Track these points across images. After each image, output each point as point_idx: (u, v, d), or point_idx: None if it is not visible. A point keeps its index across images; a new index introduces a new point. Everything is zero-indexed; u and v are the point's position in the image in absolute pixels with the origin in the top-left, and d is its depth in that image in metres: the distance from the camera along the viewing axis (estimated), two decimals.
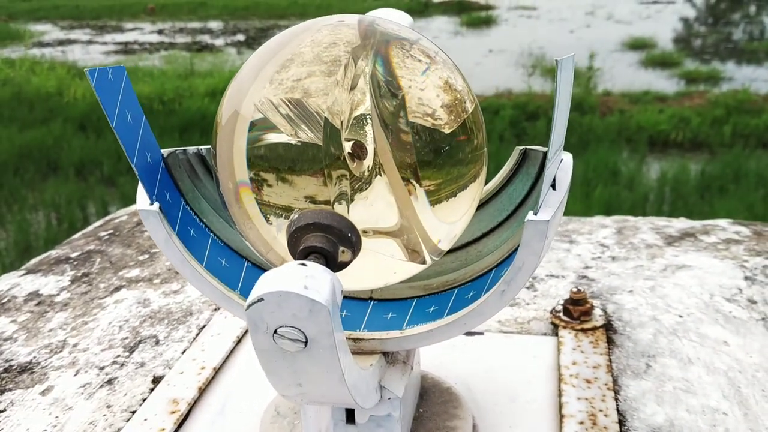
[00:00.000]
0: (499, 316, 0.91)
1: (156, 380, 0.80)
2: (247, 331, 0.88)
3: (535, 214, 0.53)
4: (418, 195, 0.53)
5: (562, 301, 0.90)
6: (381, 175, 0.52)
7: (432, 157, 0.53)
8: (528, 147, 0.67)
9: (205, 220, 0.67)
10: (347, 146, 0.52)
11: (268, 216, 0.55)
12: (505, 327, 0.88)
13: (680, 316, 0.89)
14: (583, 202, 3.80)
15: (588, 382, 0.75)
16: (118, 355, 0.85)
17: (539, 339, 0.85)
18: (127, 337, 0.89)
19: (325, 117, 0.51)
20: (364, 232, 0.54)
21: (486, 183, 0.64)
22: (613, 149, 4.72)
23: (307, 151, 0.52)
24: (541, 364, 0.80)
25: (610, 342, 0.83)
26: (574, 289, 0.87)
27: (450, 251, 0.67)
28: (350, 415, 0.63)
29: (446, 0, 11.53)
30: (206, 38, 9.81)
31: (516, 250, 0.62)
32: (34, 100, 6.31)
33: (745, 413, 0.73)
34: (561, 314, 0.87)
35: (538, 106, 5.86)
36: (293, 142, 0.52)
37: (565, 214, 0.78)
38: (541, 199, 0.53)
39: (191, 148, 0.67)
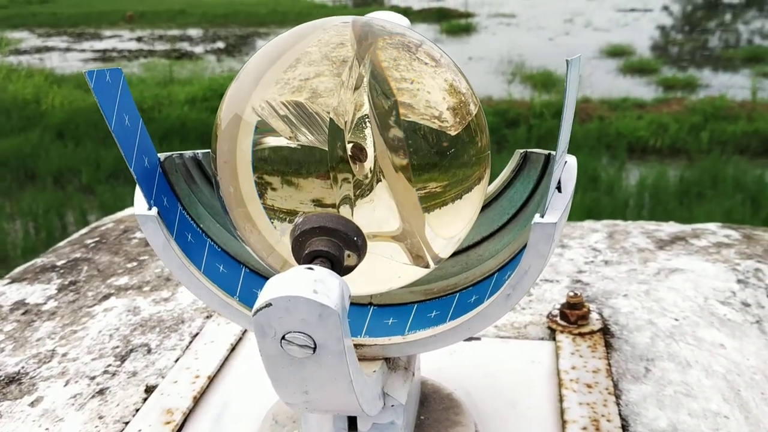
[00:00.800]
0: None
1: (149, 390, 0.78)
2: (241, 339, 0.86)
3: (542, 216, 0.53)
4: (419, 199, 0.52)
5: (558, 306, 0.89)
6: (382, 180, 0.52)
7: (437, 160, 0.52)
8: (529, 150, 0.66)
9: (202, 225, 0.66)
10: (349, 148, 0.51)
11: (271, 220, 0.54)
12: (503, 332, 0.87)
13: (676, 320, 0.89)
14: None
15: (588, 386, 0.75)
16: (109, 365, 0.84)
17: (537, 344, 0.84)
18: (117, 346, 0.87)
19: (330, 118, 0.50)
20: (368, 236, 0.53)
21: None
22: (593, 155, 4.75)
23: (310, 154, 0.51)
24: (539, 369, 0.79)
25: (608, 346, 0.83)
26: (571, 293, 0.87)
27: (450, 255, 0.67)
28: (352, 423, 0.62)
29: (426, 7, 11.56)
30: (186, 46, 9.75)
31: (519, 253, 0.61)
32: (11, 108, 6.23)
33: (746, 416, 0.72)
34: (558, 318, 0.87)
35: (518, 113, 5.89)
36: (295, 145, 0.51)
37: None
38: (547, 202, 0.53)
39: (188, 153, 0.66)
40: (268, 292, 0.44)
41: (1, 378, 0.82)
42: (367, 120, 0.51)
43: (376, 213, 0.53)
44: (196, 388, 0.76)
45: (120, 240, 1.22)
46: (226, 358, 0.82)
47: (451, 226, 0.56)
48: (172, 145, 5.20)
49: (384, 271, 0.56)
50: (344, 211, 0.52)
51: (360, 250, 0.51)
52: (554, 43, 9.26)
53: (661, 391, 0.75)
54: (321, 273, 0.45)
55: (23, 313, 0.97)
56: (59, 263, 1.14)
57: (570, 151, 0.62)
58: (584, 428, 0.68)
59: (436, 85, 0.52)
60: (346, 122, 0.51)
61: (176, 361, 0.83)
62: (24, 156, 5.02)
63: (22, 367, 0.84)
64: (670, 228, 1.22)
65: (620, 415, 0.71)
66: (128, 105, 0.57)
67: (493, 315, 0.58)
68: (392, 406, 0.60)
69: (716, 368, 0.80)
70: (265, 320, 0.44)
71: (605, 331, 0.86)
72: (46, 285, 1.06)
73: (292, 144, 0.51)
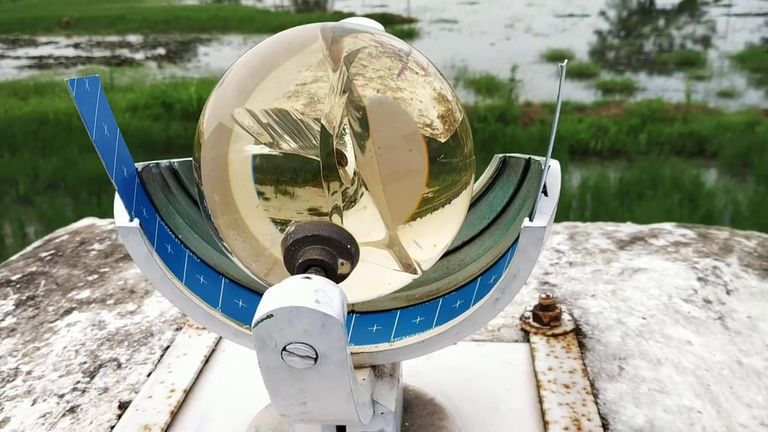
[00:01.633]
0: None
1: (123, 406, 0.76)
2: (214, 350, 0.85)
3: (531, 220, 0.53)
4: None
5: (530, 308, 0.90)
6: (366, 189, 0.51)
7: (429, 167, 0.52)
8: (507, 155, 0.67)
9: (180, 236, 0.64)
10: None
11: (259, 229, 0.53)
12: (477, 335, 0.88)
13: (644, 318, 0.91)
14: None
15: (566, 387, 0.76)
16: (78, 381, 0.81)
17: (512, 346, 0.85)
18: (85, 362, 0.85)
19: (322, 124, 0.50)
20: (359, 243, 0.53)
21: None
22: None
23: (299, 162, 0.51)
24: (517, 370, 0.80)
25: (581, 346, 0.84)
26: (543, 295, 0.88)
27: None
28: None
29: (369, 13, 11.59)
30: (125, 52, 9.56)
31: (503, 257, 0.62)
32: None
33: (718, 411, 0.74)
34: (531, 320, 0.88)
35: None
36: (280, 153, 0.50)
37: None
38: (536, 206, 0.53)
39: (164, 162, 0.65)
40: (268, 304, 0.43)
41: None
42: (345, 127, 0.51)
43: (364, 220, 0.52)
44: (172, 402, 0.75)
45: (77, 252, 1.18)
46: (201, 371, 0.81)
47: (440, 231, 0.56)
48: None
49: (374, 278, 0.56)
50: (335, 219, 0.52)
51: (353, 258, 0.51)
52: (496, 49, 9.38)
53: (636, 389, 0.77)
54: (320, 282, 0.45)
55: None
56: (14, 278, 1.10)
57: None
58: (566, 428, 0.69)
59: (427, 94, 0.53)
60: (334, 128, 0.51)
61: (149, 375, 0.81)
62: None
63: None
64: (628, 228, 1.25)
65: (599, 413, 0.72)
66: (106, 114, 0.56)
67: (482, 319, 0.58)
68: (382, 413, 0.60)
69: (686, 365, 0.82)
70: (266, 332, 0.44)
71: (577, 332, 0.87)
72: (2, 301, 1.02)
73: (277, 152, 0.51)
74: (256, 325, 0.43)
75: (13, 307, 1.00)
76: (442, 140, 0.53)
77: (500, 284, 0.56)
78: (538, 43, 9.47)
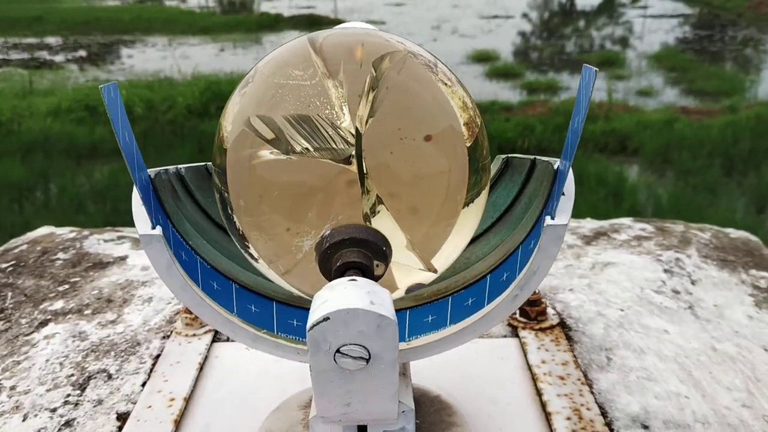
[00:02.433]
0: None
1: (121, 417, 0.74)
2: (206, 358, 0.84)
3: (552, 219, 0.55)
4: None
5: None
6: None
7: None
8: (510, 155, 0.69)
9: (191, 243, 0.64)
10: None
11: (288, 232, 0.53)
12: None
13: (621, 310, 0.95)
14: None
15: (562, 378, 0.78)
16: (68, 394, 0.79)
17: (502, 341, 0.87)
18: (72, 374, 0.83)
19: (356, 127, 0.51)
20: None
21: None
22: None
23: (329, 167, 0.51)
24: (511, 365, 0.82)
25: (568, 339, 0.87)
26: None
27: None
28: None
29: (297, 14, 11.53)
30: (44, 54, 9.22)
31: (512, 254, 0.64)
32: None
33: (703, 395, 0.78)
34: (518, 316, 0.90)
35: None
36: (312, 157, 0.51)
37: None
38: (556, 205, 0.55)
39: (171, 168, 0.64)
40: (322, 307, 0.44)
41: None
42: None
43: (391, 222, 0.53)
44: (174, 411, 0.74)
45: (42, 262, 1.15)
46: (197, 378, 0.80)
47: (461, 231, 0.57)
48: (35, 160, 4.91)
49: (402, 277, 0.57)
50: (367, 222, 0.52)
51: (387, 259, 0.52)
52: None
53: (626, 378, 0.80)
54: (369, 284, 0.46)
55: None
56: None
57: None
58: (568, 418, 0.72)
59: (454, 104, 0.54)
60: (362, 134, 0.51)
61: (143, 384, 0.80)
62: None
63: None
64: (588, 224, 1.30)
65: (597, 403, 0.75)
66: (125, 120, 0.55)
67: (500, 315, 0.60)
68: (403, 412, 0.61)
69: (666, 353, 0.86)
70: (321, 335, 0.44)
71: (563, 325, 0.90)
72: None
73: (303, 158, 0.51)
74: (311, 328, 0.44)
75: None
76: (468, 144, 0.54)
77: (519, 281, 0.58)
78: (464, 44, 9.61)
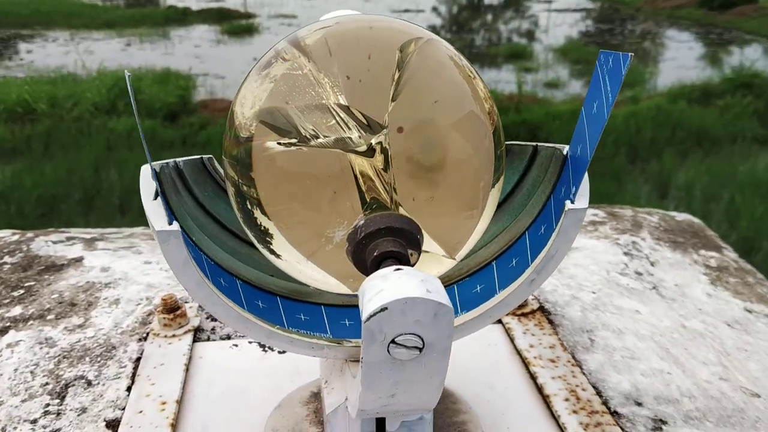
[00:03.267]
0: None
1: (111, 424, 0.71)
2: (191, 358, 0.81)
3: (572, 202, 0.56)
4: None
5: None
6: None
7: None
8: (508, 142, 0.70)
9: (194, 239, 0.61)
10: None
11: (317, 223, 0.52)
12: None
13: (593, 293, 0.98)
14: None
15: (552, 361, 0.80)
16: (47, 404, 0.75)
17: (487, 328, 0.87)
18: (47, 383, 0.78)
19: (385, 120, 0.50)
20: None
21: None
22: None
23: (360, 156, 0.50)
24: (500, 350, 0.83)
25: (550, 323, 0.89)
26: None
27: None
28: (380, 426, 0.62)
29: (205, 8, 11.27)
30: None
31: (519, 240, 0.65)
32: None
33: (683, 371, 0.82)
34: None
35: None
36: (341, 146, 0.50)
37: None
38: (576, 189, 0.56)
39: (170, 161, 0.62)
40: (378, 297, 0.43)
41: None
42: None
43: (414, 211, 0.53)
44: (168, 414, 0.71)
45: None
46: (185, 380, 0.77)
47: (482, 219, 0.57)
48: None
49: (428, 265, 0.56)
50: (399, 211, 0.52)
51: (420, 248, 0.51)
52: None
53: (611, 358, 0.83)
54: (419, 273, 0.45)
55: None
56: None
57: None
58: (566, 399, 0.73)
59: (478, 96, 0.54)
60: (387, 122, 0.51)
61: (128, 389, 0.76)
62: None
63: None
64: None
65: (590, 383, 0.77)
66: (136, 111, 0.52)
67: (515, 301, 0.61)
68: None
69: (643, 332, 0.89)
70: (377, 325, 0.43)
71: (542, 310, 0.92)
72: None
73: (324, 148, 0.50)
74: (368, 319, 0.43)
75: None
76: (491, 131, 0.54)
77: (537, 265, 0.59)
78: None
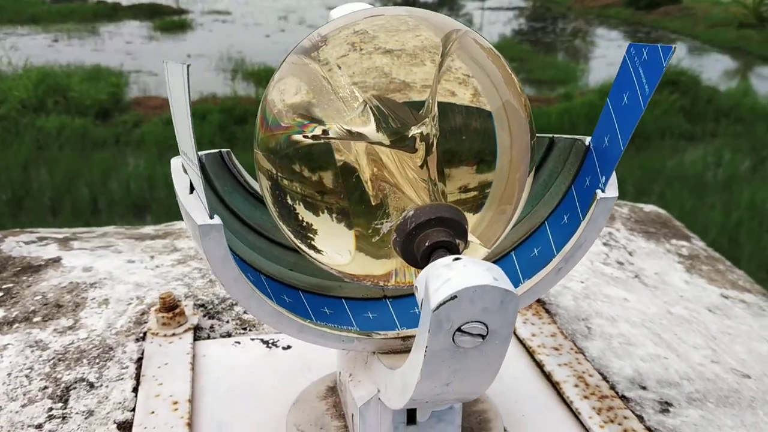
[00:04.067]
0: None
1: (122, 426, 0.69)
2: (194, 356, 0.80)
3: (603, 191, 0.57)
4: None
5: None
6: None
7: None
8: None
9: None
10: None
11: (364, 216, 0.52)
12: None
13: (582, 282, 1.00)
14: None
15: (556, 349, 0.81)
16: (50, 408, 0.72)
17: None
18: (46, 387, 0.75)
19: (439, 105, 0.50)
20: None
21: None
22: None
23: (402, 147, 0.50)
24: None
25: (548, 312, 0.91)
26: None
27: None
28: (411, 416, 0.62)
29: (136, 3, 10.98)
30: None
31: (538, 229, 0.66)
32: None
33: (677, 355, 0.84)
34: None
35: (245, 110, 5.87)
36: (386, 138, 0.50)
37: None
38: (607, 179, 0.57)
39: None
40: (446, 285, 0.43)
41: None
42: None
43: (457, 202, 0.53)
44: (183, 414, 0.69)
45: None
46: (193, 379, 0.76)
47: (516, 209, 0.58)
48: None
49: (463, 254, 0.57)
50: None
51: (466, 237, 0.52)
52: (272, 40, 9.37)
53: (610, 345, 0.85)
54: (481, 262, 0.46)
55: None
56: None
57: None
58: (576, 386, 0.75)
59: (515, 87, 0.55)
60: (434, 115, 0.51)
61: (134, 390, 0.74)
62: None
63: None
64: None
65: (595, 369, 0.79)
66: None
67: (542, 289, 0.62)
68: None
69: (634, 319, 0.92)
70: (446, 314, 0.44)
71: (538, 300, 0.94)
72: None
73: (378, 140, 0.50)
74: (438, 307, 0.43)
75: None
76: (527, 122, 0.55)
77: (565, 254, 0.60)
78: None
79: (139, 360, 0.79)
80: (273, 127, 0.53)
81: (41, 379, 0.77)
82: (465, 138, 0.52)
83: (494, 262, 0.68)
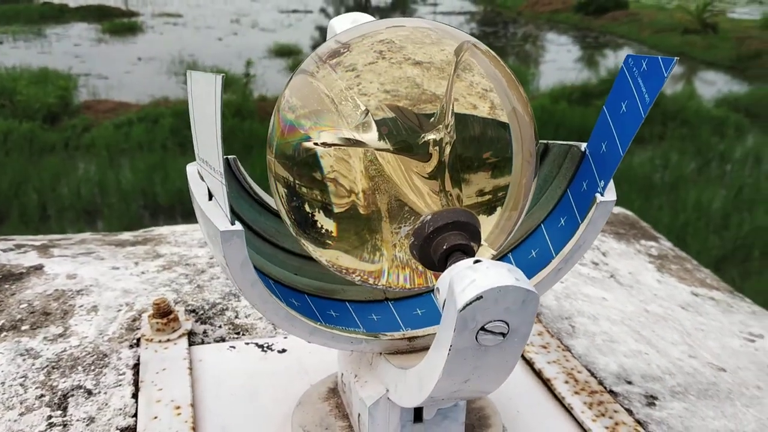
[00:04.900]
0: None
1: None
2: (191, 361, 0.80)
3: (602, 195, 0.60)
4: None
5: None
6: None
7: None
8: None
9: None
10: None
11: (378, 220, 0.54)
12: None
13: (561, 282, 1.03)
14: None
15: (544, 347, 0.84)
16: (50, 416, 0.72)
17: None
18: (42, 395, 0.75)
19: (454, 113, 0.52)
20: None
21: None
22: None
23: (419, 155, 0.52)
24: None
25: None
26: None
27: None
28: (418, 414, 0.64)
29: (83, 5, 10.76)
30: None
31: (534, 232, 0.68)
32: None
33: (657, 350, 0.88)
34: None
35: None
36: (402, 146, 0.52)
37: None
38: (606, 183, 0.60)
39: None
40: (472, 286, 0.45)
41: None
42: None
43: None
44: (186, 419, 0.70)
45: None
46: (192, 383, 0.76)
47: (521, 213, 0.60)
48: None
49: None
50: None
51: (480, 240, 0.54)
52: (224, 43, 9.30)
53: (593, 342, 0.88)
54: (501, 263, 0.48)
55: None
56: None
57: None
58: (566, 382, 0.78)
59: (521, 95, 0.57)
60: (450, 124, 0.53)
61: (134, 396, 0.75)
62: None
63: None
64: None
65: (583, 365, 0.82)
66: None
67: (543, 289, 0.64)
68: None
69: (614, 317, 0.95)
70: (471, 314, 0.46)
71: None
72: None
73: (393, 146, 0.52)
74: (464, 308, 0.45)
75: None
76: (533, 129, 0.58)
77: (565, 255, 0.62)
78: (265, 38, 9.54)
79: (136, 366, 0.80)
80: (287, 132, 0.54)
81: (36, 387, 0.76)
82: (474, 145, 0.54)
83: None
